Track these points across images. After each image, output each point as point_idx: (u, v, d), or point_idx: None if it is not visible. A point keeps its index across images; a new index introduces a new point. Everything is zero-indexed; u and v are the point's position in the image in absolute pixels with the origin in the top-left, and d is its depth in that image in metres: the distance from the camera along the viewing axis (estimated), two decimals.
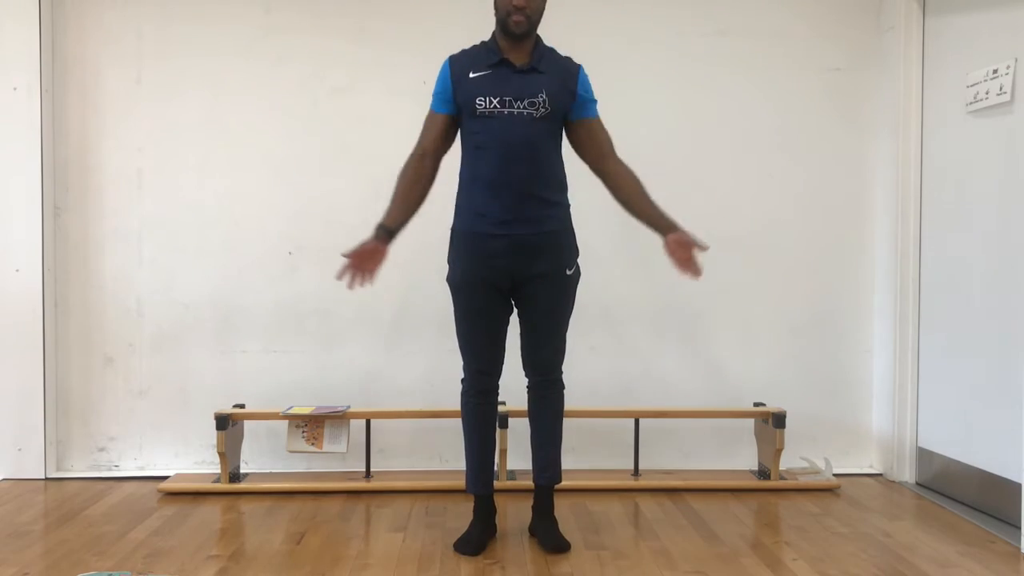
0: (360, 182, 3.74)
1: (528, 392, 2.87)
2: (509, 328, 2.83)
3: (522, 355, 2.84)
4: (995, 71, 3.15)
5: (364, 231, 3.70)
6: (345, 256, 2.65)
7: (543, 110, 2.69)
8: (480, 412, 2.83)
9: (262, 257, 3.74)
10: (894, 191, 3.66)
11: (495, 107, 2.67)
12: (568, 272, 2.78)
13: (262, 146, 3.73)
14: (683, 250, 2.67)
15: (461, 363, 2.84)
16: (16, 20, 3.57)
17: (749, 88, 3.78)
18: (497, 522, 2.94)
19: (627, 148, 3.68)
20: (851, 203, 3.82)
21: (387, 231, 2.72)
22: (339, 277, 2.66)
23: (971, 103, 3.28)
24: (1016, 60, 3.05)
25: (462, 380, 2.85)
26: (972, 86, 3.27)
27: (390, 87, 3.72)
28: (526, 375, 2.86)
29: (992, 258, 3.19)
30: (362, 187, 3.74)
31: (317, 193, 3.74)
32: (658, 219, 2.75)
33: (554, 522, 2.86)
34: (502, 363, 2.84)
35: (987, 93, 3.19)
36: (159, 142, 3.72)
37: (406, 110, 3.68)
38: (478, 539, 2.81)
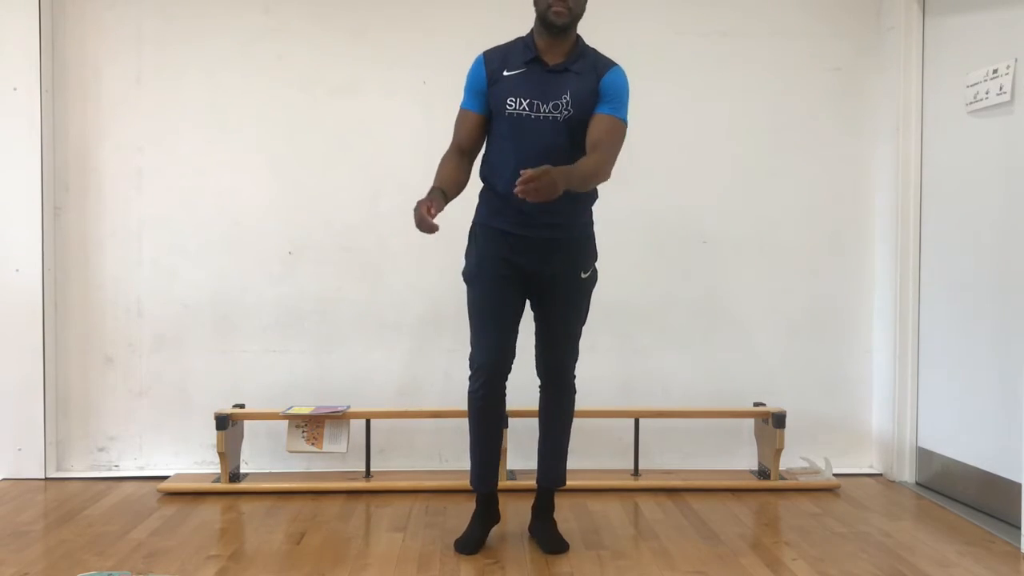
0: (360, 182, 3.74)
1: (540, 393, 2.86)
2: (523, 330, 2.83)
3: (535, 356, 2.83)
4: (995, 71, 3.15)
5: (364, 231, 3.74)
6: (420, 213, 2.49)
7: (566, 112, 2.64)
8: (488, 410, 2.79)
9: (262, 257, 3.74)
10: (894, 191, 3.66)
11: (523, 109, 2.64)
12: (583, 275, 2.76)
13: (262, 146, 3.73)
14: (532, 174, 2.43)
15: (465, 363, 2.83)
16: (16, 20, 3.56)
17: (749, 88, 3.78)
18: (499, 519, 2.93)
19: (625, 147, 3.68)
20: (851, 203, 3.82)
21: (442, 191, 2.62)
22: (423, 223, 2.49)
23: (971, 103, 3.28)
24: (1016, 60, 3.05)
25: (469, 377, 2.81)
26: (972, 86, 3.27)
27: (390, 87, 3.71)
28: (538, 375, 2.85)
29: (992, 258, 3.19)
30: (362, 187, 3.74)
31: (317, 193, 3.73)
32: (564, 168, 2.52)
33: (553, 523, 2.86)
34: (512, 361, 2.79)
35: (987, 93, 3.19)
36: (159, 142, 3.71)
37: (406, 110, 3.70)
38: (477, 538, 2.81)
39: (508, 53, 2.71)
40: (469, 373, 2.80)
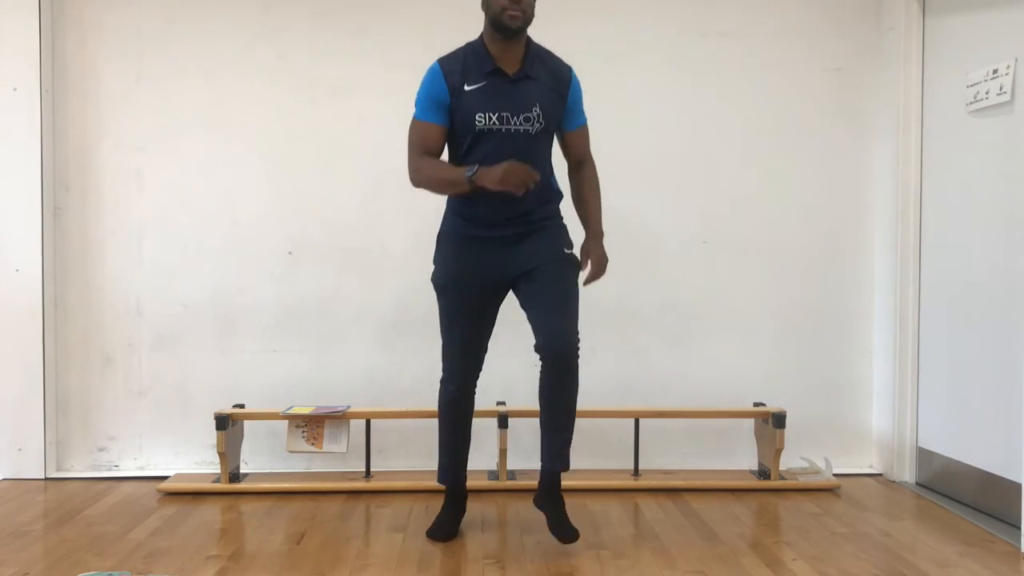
0: (360, 182, 3.74)
1: (541, 373, 2.71)
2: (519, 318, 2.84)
3: (536, 340, 2.69)
4: (995, 71, 3.15)
5: (364, 231, 3.74)
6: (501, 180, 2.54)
7: (538, 125, 2.66)
8: (459, 413, 2.88)
9: (262, 257, 3.74)
10: (894, 191, 3.66)
11: (494, 124, 2.63)
12: (567, 251, 2.77)
13: (262, 146, 3.73)
14: (593, 266, 2.82)
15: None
16: (16, 20, 3.56)
17: (749, 88, 3.78)
18: (464, 512, 3.01)
19: (627, 147, 3.71)
20: (851, 203, 3.82)
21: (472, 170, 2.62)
22: (517, 190, 2.55)
23: (971, 103, 3.28)
24: (1016, 60, 3.05)
25: (441, 381, 2.88)
26: (972, 86, 3.27)
27: (390, 87, 3.71)
28: (541, 358, 2.70)
29: (992, 258, 3.19)
30: (362, 187, 3.74)
31: (317, 193, 3.74)
32: (593, 224, 2.85)
33: (563, 509, 2.78)
34: (482, 364, 2.86)
35: (987, 93, 3.19)
36: (159, 142, 3.71)
37: (406, 110, 3.67)
38: (450, 525, 2.92)
39: (463, 63, 2.66)
40: (441, 376, 2.87)
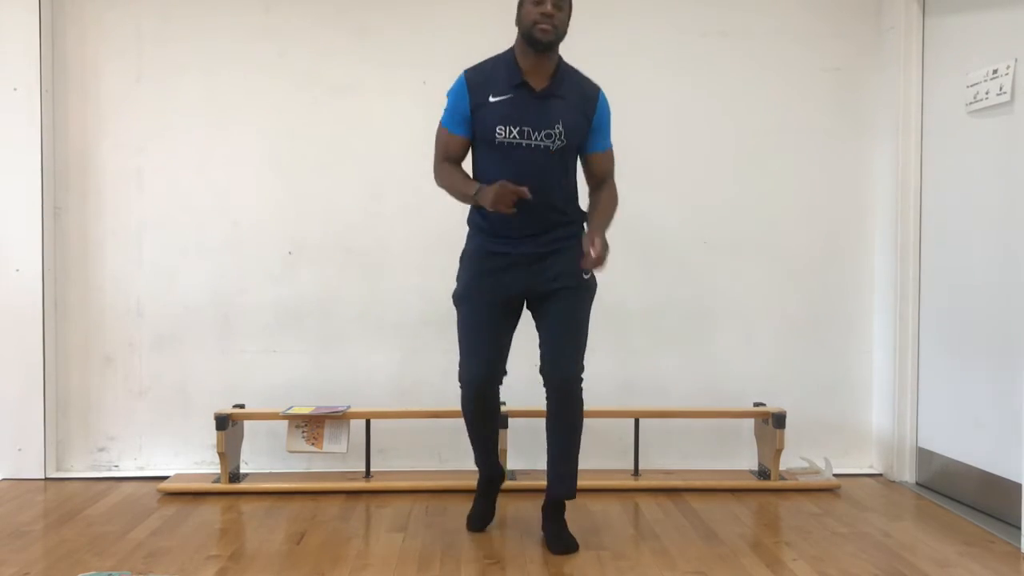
0: (360, 182, 3.74)
1: (547, 402, 2.79)
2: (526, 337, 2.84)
3: (541, 362, 2.77)
4: (995, 71, 3.15)
5: (364, 231, 3.74)
6: (497, 201, 2.53)
7: (559, 143, 2.66)
8: (481, 417, 2.85)
9: (262, 257, 3.74)
10: (894, 191, 3.66)
11: (514, 137, 2.63)
12: (585, 276, 2.75)
13: (262, 145, 3.73)
14: (592, 252, 2.63)
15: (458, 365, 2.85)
16: (16, 20, 3.56)
17: (749, 88, 3.78)
18: (502, 480, 3.04)
19: (626, 147, 3.69)
20: (851, 203, 3.82)
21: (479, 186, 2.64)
22: (509, 206, 2.55)
23: (971, 103, 3.28)
24: (1016, 60, 3.05)
25: (460, 385, 2.83)
26: (972, 86, 3.27)
27: (390, 87, 3.71)
28: (544, 385, 2.78)
29: (992, 258, 3.19)
30: (362, 187, 3.74)
31: (317, 193, 3.74)
32: (594, 226, 2.69)
33: (563, 524, 2.83)
34: (503, 373, 2.83)
35: (987, 93, 3.19)
36: (159, 142, 3.71)
37: (406, 110, 3.70)
38: (485, 510, 2.97)
39: (492, 75, 2.68)
40: (460, 385, 2.83)
